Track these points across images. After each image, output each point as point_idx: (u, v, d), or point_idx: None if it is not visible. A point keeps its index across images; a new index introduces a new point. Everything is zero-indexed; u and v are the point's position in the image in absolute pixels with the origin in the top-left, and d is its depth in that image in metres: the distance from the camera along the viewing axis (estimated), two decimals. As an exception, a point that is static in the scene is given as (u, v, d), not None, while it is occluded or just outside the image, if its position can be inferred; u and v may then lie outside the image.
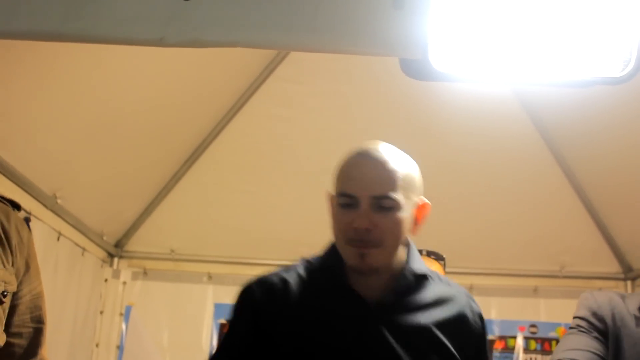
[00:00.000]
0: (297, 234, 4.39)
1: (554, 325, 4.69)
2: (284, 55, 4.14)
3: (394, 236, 1.73)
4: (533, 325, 4.74)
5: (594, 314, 1.96)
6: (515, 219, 4.54)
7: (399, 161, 1.76)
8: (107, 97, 3.35)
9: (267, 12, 1.47)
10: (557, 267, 4.72)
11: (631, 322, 1.91)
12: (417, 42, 1.51)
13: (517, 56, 1.64)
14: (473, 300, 1.87)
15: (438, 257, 3.25)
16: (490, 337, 4.66)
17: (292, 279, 1.78)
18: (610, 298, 2.00)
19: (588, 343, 1.91)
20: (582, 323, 1.97)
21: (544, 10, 1.60)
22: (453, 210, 4.31)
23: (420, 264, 1.83)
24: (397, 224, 1.71)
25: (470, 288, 4.68)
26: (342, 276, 1.76)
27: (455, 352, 1.75)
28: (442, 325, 1.76)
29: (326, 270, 1.79)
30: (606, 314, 1.94)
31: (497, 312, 4.73)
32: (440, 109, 4.00)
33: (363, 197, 1.68)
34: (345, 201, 1.70)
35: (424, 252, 3.24)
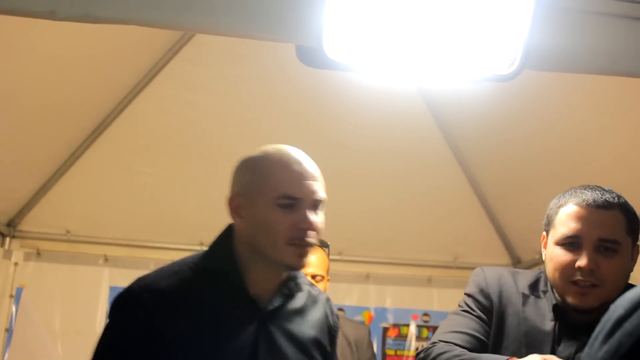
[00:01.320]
0: (196, 218, 4.37)
1: (446, 314, 4.76)
2: (189, 37, 4.10)
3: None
4: (426, 314, 4.88)
5: (481, 291, 2.02)
6: (411, 210, 4.66)
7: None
8: (1, 70, 3.23)
9: (162, -9, 1.47)
10: (451, 258, 4.88)
11: (518, 301, 1.98)
12: (313, 29, 1.54)
13: (411, 50, 1.69)
14: (328, 300, 1.97)
15: (322, 244, 3.30)
16: (384, 324, 4.83)
17: (181, 281, 1.76)
18: (500, 275, 2.05)
19: (468, 324, 1.97)
20: (469, 301, 2.03)
21: (439, 8, 1.66)
22: (350, 200, 4.38)
23: None
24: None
25: (367, 277, 4.79)
26: (237, 280, 1.77)
27: (328, 350, 1.88)
28: (315, 324, 1.86)
29: (221, 273, 1.78)
30: (493, 291, 2.00)
31: (391, 301, 4.85)
32: (342, 98, 4.05)
33: (306, 199, 1.74)
34: (287, 202, 1.73)
35: None
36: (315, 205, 1.75)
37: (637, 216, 1.94)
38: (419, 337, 4.82)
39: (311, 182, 1.75)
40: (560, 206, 1.96)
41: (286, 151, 1.79)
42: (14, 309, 4.46)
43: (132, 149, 4.43)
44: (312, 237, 1.75)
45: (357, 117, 4.18)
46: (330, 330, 1.92)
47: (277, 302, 1.79)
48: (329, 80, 3.65)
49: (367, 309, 4.80)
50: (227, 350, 1.71)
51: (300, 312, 1.85)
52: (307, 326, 1.84)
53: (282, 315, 1.80)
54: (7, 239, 4.53)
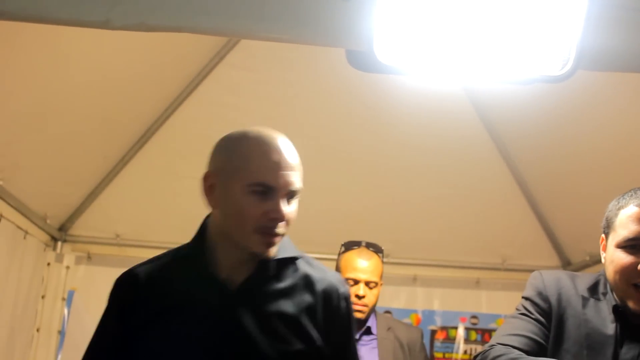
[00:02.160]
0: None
1: (494, 317, 4.78)
2: (235, 42, 4.12)
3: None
4: (474, 317, 4.83)
5: (539, 294, 1.99)
6: (458, 211, 4.61)
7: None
8: (53, 79, 3.29)
9: (214, -1, 1.48)
10: (499, 260, 4.82)
11: (577, 303, 1.96)
12: (364, 34, 1.53)
13: (462, 53, 1.68)
14: (341, 284, 1.89)
15: (377, 250, 3.29)
16: (432, 327, 4.79)
17: (158, 267, 1.83)
18: (558, 278, 2.03)
19: (526, 327, 1.95)
20: (527, 304, 2.01)
21: (489, 10, 1.64)
22: (398, 202, 4.36)
23: (290, 250, 1.86)
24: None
25: (414, 279, 4.76)
26: (204, 263, 1.78)
27: (317, 335, 1.78)
28: (305, 309, 1.79)
29: (191, 257, 1.81)
30: (551, 293, 1.98)
31: (439, 303, 4.81)
32: (390, 100, 4.03)
33: (281, 189, 1.72)
34: (261, 190, 1.71)
35: (363, 244, 3.28)
36: (290, 195, 1.73)
37: None
38: (467, 340, 4.78)
39: (288, 172, 1.72)
40: (620, 208, 1.94)
41: (267, 137, 1.77)
42: (66, 311, 4.54)
43: (179, 153, 4.47)
44: (281, 228, 1.72)
45: (404, 119, 4.16)
46: (335, 315, 1.83)
47: (248, 285, 1.76)
48: (376, 82, 3.63)
49: (415, 311, 4.77)
50: (190, 331, 1.72)
51: (284, 294, 1.79)
52: (294, 310, 1.77)
53: (257, 297, 1.76)
54: (59, 243, 4.61)
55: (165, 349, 1.72)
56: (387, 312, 4.51)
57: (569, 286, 2.00)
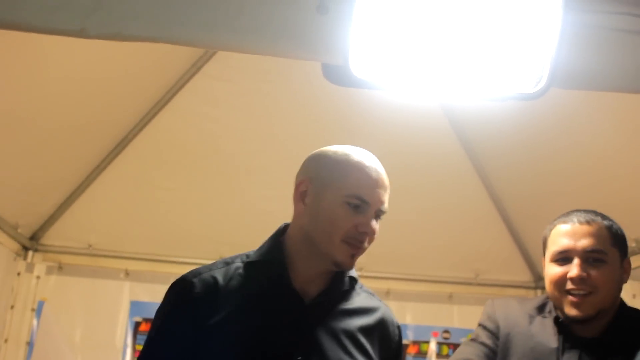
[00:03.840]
0: (217, 232, 4.37)
1: (466, 332, 4.79)
2: (212, 53, 4.12)
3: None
4: (446, 331, 4.84)
5: (489, 318, 2.21)
6: (433, 226, 4.63)
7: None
8: (26, 86, 3.26)
9: (190, 10, 1.48)
10: (472, 275, 4.84)
11: (524, 322, 2.16)
12: (339, 47, 1.54)
13: (437, 70, 1.69)
14: (392, 313, 2.00)
15: None
16: (404, 341, 4.79)
17: (228, 271, 1.83)
18: (506, 303, 2.25)
19: (472, 351, 2.16)
20: (479, 329, 2.23)
21: (465, 28, 1.66)
22: (373, 216, 4.36)
23: (353, 272, 1.93)
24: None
25: (387, 293, 4.76)
26: (281, 271, 1.82)
27: (375, 357, 1.85)
28: (366, 330, 1.85)
29: (266, 264, 1.84)
30: (500, 316, 2.19)
31: (411, 317, 4.81)
32: (365, 114, 4.04)
33: (374, 206, 1.82)
34: (356, 203, 1.79)
35: None
36: (378, 214, 1.82)
37: (622, 231, 2.14)
38: (439, 355, 4.79)
39: (382, 192, 1.82)
40: (551, 229, 2.17)
41: (368, 156, 1.88)
42: (35, 322, 4.49)
43: (155, 164, 4.45)
44: (366, 242, 1.81)
45: (380, 134, 4.16)
46: (390, 342, 1.92)
47: (322, 298, 1.82)
48: (352, 96, 3.65)
49: (388, 325, 4.78)
50: (264, 339, 1.74)
51: (351, 313, 1.86)
52: (355, 329, 1.83)
53: (328, 312, 1.82)
54: (30, 253, 4.55)
55: (235, 356, 1.72)
56: (360, 325, 4.50)
57: (517, 308, 2.20)
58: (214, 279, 1.80)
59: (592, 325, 2.07)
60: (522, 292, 4.80)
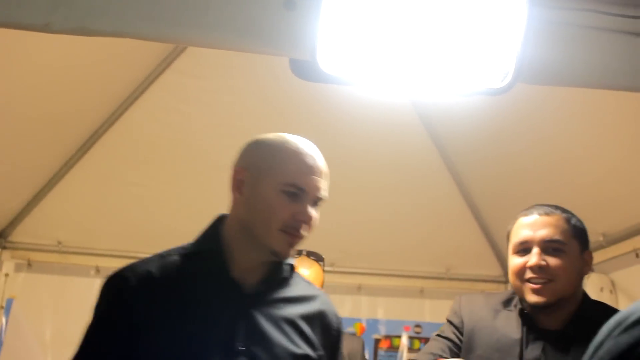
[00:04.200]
0: (188, 228, 4.31)
1: (438, 326, 4.76)
2: (182, 48, 4.09)
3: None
4: (418, 326, 4.87)
5: (455, 313, 2.27)
6: (404, 222, 4.66)
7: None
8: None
9: (157, 5, 1.47)
10: (443, 269, 4.88)
11: (489, 315, 2.21)
12: (307, 43, 1.54)
13: (404, 63, 1.70)
14: (330, 302, 1.98)
15: (318, 258, 3.31)
16: (376, 336, 4.82)
17: (163, 264, 1.80)
18: (472, 298, 2.32)
19: (438, 346, 2.22)
20: (445, 326, 2.29)
21: (432, 23, 1.67)
22: (343, 211, 4.37)
23: (291, 260, 1.90)
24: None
25: (359, 288, 4.78)
26: (220, 262, 1.80)
27: (318, 344, 1.84)
28: (307, 318, 1.85)
29: (204, 255, 1.82)
30: (464, 312, 2.25)
31: (383, 312, 4.84)
32: (335, 110, 4.05)
33: (311, 193, 1.79)
34: (293, 191, 1.76)
35: (304, 252, 3.29)
36: (316, 201, 1.80)
37: (582, 224, 2.20)
38: (410, 349, 4.81)
39: (319, 179, 1.79)
40: (512, 224, 2.26)
41: (304, 143, 1.84)
42: (4, 320, 4.43)
43: (125, 160, 4.42)
44: (305, 230, 1.79)
45: (350, 129, 4.19)
46: (330, 330, 1.92)
47: (262, 287, 1.81)
48: (322, 92, 3.66)
49: (359, 320, 4.80)
50: (204, 330, 1.71)
51: (292, 301, 1.85)
52: (296, 316, 1.83)
53: (268, 300, 1.81)
54: (-2, 250, 4.51)
55: (175, 348, 1.68)
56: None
57: (482, 303, 2.27)
58: (149, 272, 1.76)
59: (555, 317, 2.12)
60: (492, 286, 4.85)
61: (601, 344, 0.92)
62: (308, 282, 1.99)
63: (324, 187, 1.81)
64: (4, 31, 2.24)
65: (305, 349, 1.79)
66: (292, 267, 1.90)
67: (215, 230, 1.86)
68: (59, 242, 4.57)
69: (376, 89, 2.79)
